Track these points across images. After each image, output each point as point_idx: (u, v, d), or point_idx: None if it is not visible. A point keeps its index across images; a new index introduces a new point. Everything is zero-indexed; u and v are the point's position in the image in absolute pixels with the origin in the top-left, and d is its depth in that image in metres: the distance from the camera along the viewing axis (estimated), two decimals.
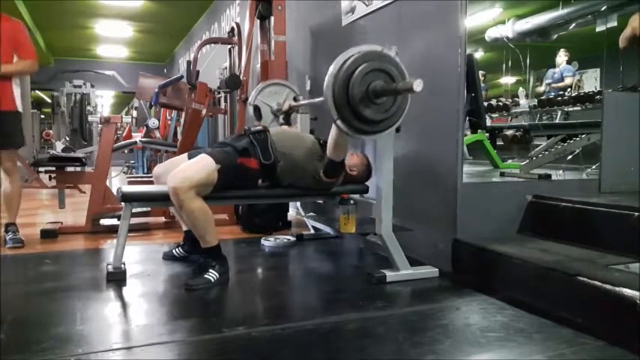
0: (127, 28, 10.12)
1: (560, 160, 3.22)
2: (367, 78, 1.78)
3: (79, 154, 4.62)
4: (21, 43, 2.87)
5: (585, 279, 1.63)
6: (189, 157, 2.25)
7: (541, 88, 6.80)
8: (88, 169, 3.78)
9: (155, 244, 3.07)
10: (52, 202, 4.75)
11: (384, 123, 1.89)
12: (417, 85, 1.65)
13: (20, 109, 2.90)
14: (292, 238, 2.99)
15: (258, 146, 2.23)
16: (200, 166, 2.08)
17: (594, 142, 3.08)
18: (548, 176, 2.60)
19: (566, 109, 4.54)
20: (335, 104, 1.79)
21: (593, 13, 6.24)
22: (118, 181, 6.18)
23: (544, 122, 4.83)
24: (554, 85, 6.33)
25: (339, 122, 1.83)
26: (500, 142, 4.56)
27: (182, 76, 3.82)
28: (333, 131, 2.02)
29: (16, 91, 2.87)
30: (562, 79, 6.41)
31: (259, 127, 2.32)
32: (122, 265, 2.16)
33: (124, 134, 8.33)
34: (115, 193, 2.72)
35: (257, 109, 3.04)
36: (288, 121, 2.94)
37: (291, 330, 1.60)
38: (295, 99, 3.09)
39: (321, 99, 1.86)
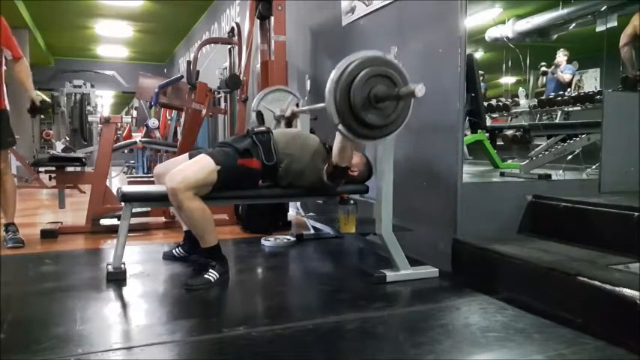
0: (127, 28, 10.13)
1: (560, 160, 3.22)
2: (369, 83, 1.78)
3: (79, 154, 4.63)
4: (10, 41, 2.84)
5: (585, 279, 1.63)
6: (190, 157, 2.25)
7: (542, 79, 6.76)
8: (88, 169, 3.78)
9: (155, 244, 3.07)
10: (52, 202, 4.75)
11: (386, 128, 1.89)
12: (419, 90, 1.65)
13: (8, 107, 2.89)
14: (292, 238, 2.99)
15: (260, 147, 2.23)
16: (199, 167, 2.08)
17: (594, 142, 3.08)
18: (548, 176, 2.60)
19: (566, 109, 4.54)
20: (337, 109, 1.80)
21: (593, 13, 6.23)
22: (118, 181, 6.18)
23: (544, 122, 4.83)
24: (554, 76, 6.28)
25: (340, 127, 1.83)
26: (500, 142, 4.56)
27: (182, 76, 3.83)
28: (338, 136, 2.02)
29: (4, 90, 2.87)
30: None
31: (262, 128, 2.32)
32: (122, 265, 2.16)
33: (124, 134, 8.33)
34: (115, 193, 2.72)
35: (260, 114, 3.05)
36: (290, 127, 2.95)
37: (291, 330, 1.60)
38: (298, 105, 3.10)
39: (323, 105, 1.86)
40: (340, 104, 1.78)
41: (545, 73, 6.58)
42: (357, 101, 1.77)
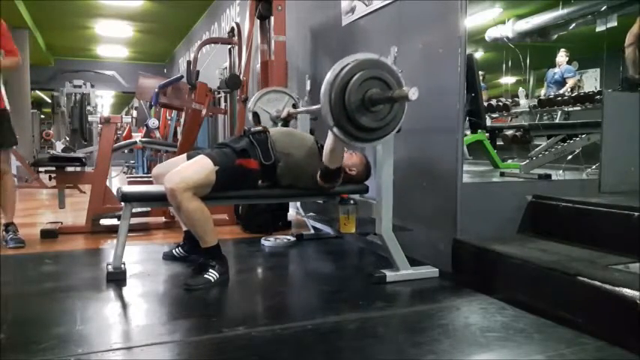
0: (127, 28, 10.12)
1: (560, 160, 3.22)
2: (364, 86, 1.79)
3: (79, 154, 4.63)
4: (7, 40, 2.86)
5: (585, 279, 1.62)
6: (189, 158, 2.25)
7: (542, 91, 6.78)
8: (88, 169, 3.78)
9: (155, 244, 3.07)
10: (52, 202, 4.75)
11: (380, 131, 1.91)
12: (413, 94, 1.67)
13: (8, 107, 2.90)
14: (292, 238, 2.99)
15: (258, 147, 2.23)
16: (198, 167, 2.08)
17: (594, 142, 3.07)
18: (548, 176, 2.60)
19: (566, 109, 4.54)
20: (331, 111, 1.81)
21: (593, 13, 6.24)
22: (118, 181, 6.18)
23: (544, 122, 4.83)
24: (554, 93, 6.30)
25: (335, 129, 1.84)
26: (500, 142, 4.56)
27: (182, 76, 3.82)
28: (329, 138, 2.02)
29: (2, 90, 2.88)
30: (562, 79, 6.40)
31: (259, 128, 2.32)
32: (122, 265, 2.16)
33: (124, 134, 8.32)
34: (115, 193, 2.72)
35: (256, 115, 3.05)
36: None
37: (291, 330, 1.60)
38: (294, 106, 3.10)
39: (319, 106, 1.87)
40: (335, 106, 1.79)
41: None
42: (351, 103, 1.77)
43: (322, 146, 2.21)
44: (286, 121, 2.97)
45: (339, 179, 2.26)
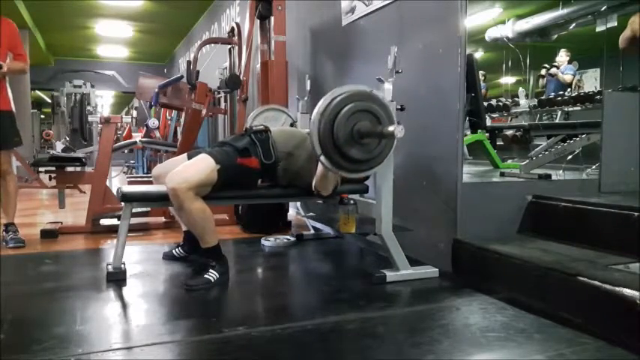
0: (127, 28, 10.12)
1: (560, 160, 3.22)
2: (353, 118, 1.82)
3: (79, 154, 4.63)
4: (17, 45, 2.92)
5: (585, 279, 1.63)
6: (189, 158, 2.25)
7: (543, 81, 6.75)
8: (88, 169, 3.78)
9: (155, 244, 3.07)
10: (52, 202, 4.75)
11: (368, 163, 1.94)
12: (399, 132, 1.73)
13: (14, 108, 2.92)
14: (292, 238, 2.99)
15: (259, 146, 2.23)
16: (199, 167, 2.08)
17: (594, 142, 3.07)
18: (548, 176, 2.60)
19: (566, 109, 4.54)
20: (319, 141, 1.84)
21: (593, 13, 6.23)
22: (117, 181, 6.17)
23: (544, 122, 4.83)
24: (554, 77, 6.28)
25: (322, 158, 1.87)
26: (500, 142, 4.56)
27: (182, 76, 3.82)
28: (319, 168, 2.05)
29: (9, 91, 2.90)
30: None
31: (261, 127, 2.32)
32: (122, 265, 2.16)
33: (124, 134, 8.32)
34: (115, 193, 2.72)
35: None
36: None
37: (292, 330, 1.60)
38: (292, 125, 3.12)
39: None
40: (323, 136, 1.82)
41: (542, 76, 6.56)
42: (340, 135, 1.81)
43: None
44: None
45: (334, 194, 2.28)
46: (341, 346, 1.54)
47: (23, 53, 2.98)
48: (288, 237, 3.00)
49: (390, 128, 1.76)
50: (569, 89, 6.03)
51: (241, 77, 3.83)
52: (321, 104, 1.85)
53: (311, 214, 3.41)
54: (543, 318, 1.67)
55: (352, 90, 1.87)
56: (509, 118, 5.49)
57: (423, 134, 2.46)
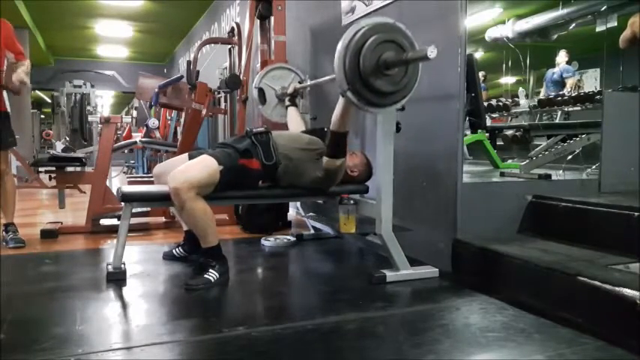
0: (127, 28, 10.12)
1: (560, 160, 3.22)
2: (378, 49, 1.76)
3: (79, 154, 4.63)
4: (14, 44, 2.89)
5: (585, 279, 1.63)
6: (190, 158, 2.25)
7: (542, 90, 6.78)
8: (88, 169, 3.78)
9: (155, 244, 3.07)
10: (52, 202, 4.75)
11: (394, 95, 1.88)
12: (431, 52, 1.64)
13: (9, 109, 2.92)
14: (292, 238, 2.99)
15: (260, 147, 2.23)
16: (202, 167, 2.08)
17: (594, 142, 3.07)
18: (548, 176, 2.60)
19: (566, 109, 4.54)
20: (346, 75, 1.78)
21: (593, 13, 6.24)
22: (118, 181, 6.18)
23: (544, 122, 4.83)
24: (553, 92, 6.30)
25: (349, 94, 1.81)
26: (500, 142, 4.56)
27: (182, 76, 3.82)
28: (339, 105, 2.00)
29: (4, 92, 2.89)
30: (561, 79, 6.39)
31: (261, 129, 2.32)
32: (122, 265, 2.16)
33: (124, 134, 8.33)
34: (115, 193, 2.72)
35: (261, 92, 3.01)
36: (294, 103, 2.92)
37: (291, 330, 1.60)
38: (300, 82, 3.07)
39: (326, 78, 1.84)
40: (349, 70, 1.76)
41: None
42: (366, 67, 1.75)
43: (320, 129, 2.17)
44: (293, 97, 2.93)
45: (345, 149, 2.23)
46: (341, 346, 1.54)
47: (22, 50, 2.95)
48: (288, 237, 3.00)
49: (421, 50, 1.67)
50: (567, 90, 6.04)
51: (241, 77, 3.83)
52: (345, 37, 1.79)
53: (311, 214, 3.41)
54: (543, 318, 1.67)
55: (375, 21, 1.82)
56: (509, 118, 5.49)
57: (423, 134, 2.46)
